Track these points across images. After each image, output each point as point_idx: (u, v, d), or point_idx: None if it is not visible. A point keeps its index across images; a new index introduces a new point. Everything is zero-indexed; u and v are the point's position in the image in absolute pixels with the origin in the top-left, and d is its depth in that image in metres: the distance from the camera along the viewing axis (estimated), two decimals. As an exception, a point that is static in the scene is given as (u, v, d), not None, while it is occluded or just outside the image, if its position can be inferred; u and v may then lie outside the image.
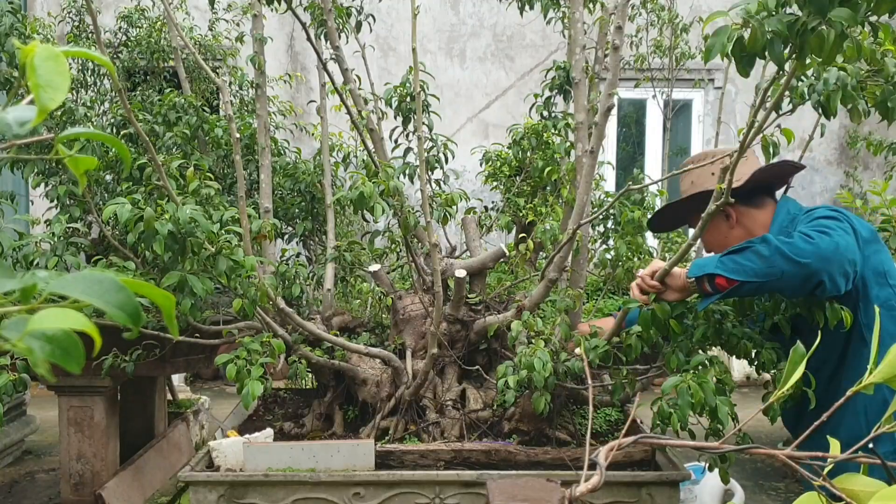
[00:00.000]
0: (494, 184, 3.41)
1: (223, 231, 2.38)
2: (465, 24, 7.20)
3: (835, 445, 0.81)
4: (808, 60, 1.49)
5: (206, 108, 3.78)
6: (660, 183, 2.72)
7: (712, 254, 2.05)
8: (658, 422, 2.15)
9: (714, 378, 2.03)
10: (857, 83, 1.94)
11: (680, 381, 2.01)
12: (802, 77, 2.05)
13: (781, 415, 2.09)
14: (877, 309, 1.34)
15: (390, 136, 3.15)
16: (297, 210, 3.66)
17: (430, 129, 3.08)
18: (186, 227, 2.24)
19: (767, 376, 2.24)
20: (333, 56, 3.19)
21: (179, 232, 2.24)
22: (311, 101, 3.73)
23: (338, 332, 3.08)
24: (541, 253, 3.17)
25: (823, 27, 1.38)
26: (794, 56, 1.49)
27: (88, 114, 3.68)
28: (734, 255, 1.84)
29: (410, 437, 2.76)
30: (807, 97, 2.06)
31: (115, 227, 3.24)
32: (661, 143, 6.93)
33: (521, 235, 3.05)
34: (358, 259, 3.23)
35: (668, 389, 2.03)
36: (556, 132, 3.15)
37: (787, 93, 2.07)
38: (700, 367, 2.09)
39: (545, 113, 3.23)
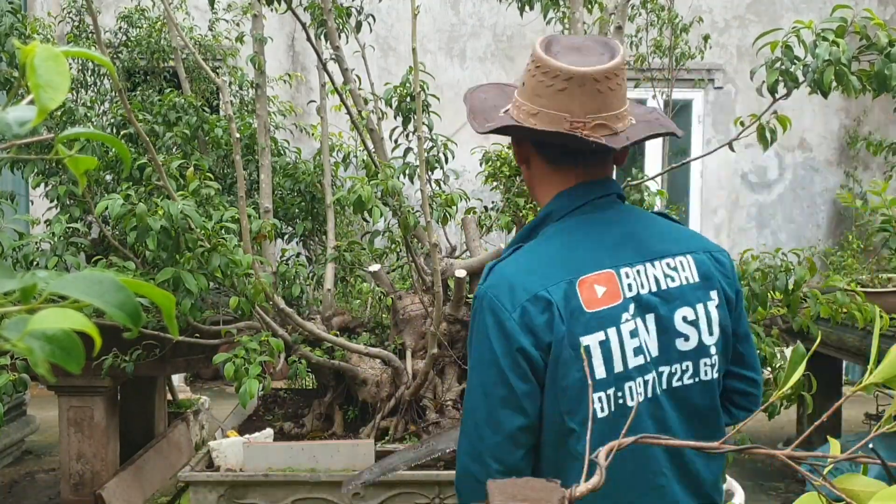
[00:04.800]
0: (494, 184, 3.41)
1: (219, 228, 2.38)
2: (465, 24, 7.20)
3: (835, 446, 0.81)
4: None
5: (206, 108, 3.78)
6: (658, 180, 2.71)
7: None
8: None
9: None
10: (850, 58, 1.94)
11: None
12: (796, 59, 2.06)
13: None
14: (876, 308, 1.34)
15: (390, 136, 3.15)
16: (297, 210, 3.66)
17: (430, 129, 3.08)
18: (179, 222, 2.24)
19: (767, 374, 2.24)
20: (333, 56, 3.19)
21: (173, 228, 2.25)
22: (311, 101, 3.73)
23: (338, 332, 3.08)
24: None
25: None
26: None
27: (88, 114, 3.68)
28: None
29: (410, 437, 2.76)
30: (801, 79, 2.06)
31: (114, 227, 3.24)
32: (660, 144, 6.93)
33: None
34: (358, 259, 3.23)
35: None
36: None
37: (781, 78, 2.08)
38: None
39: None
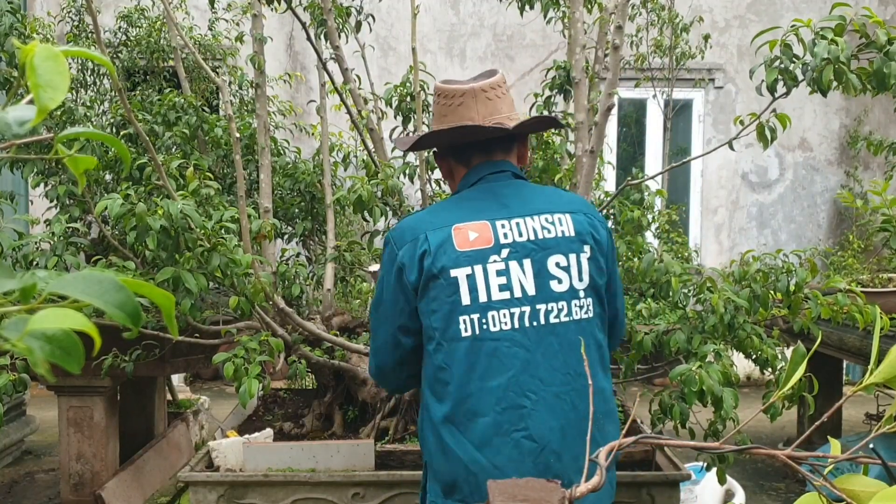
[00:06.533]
0: (494, 183, 3.40)
1: (219, 228, 2.37)
2: (465, 24, 7.20)
3: (835, 446, 0.81)
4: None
5: (206, 108, 3.78)
6: (658, 179, 2.71)
7: None
8: (660, 414, 2.16)
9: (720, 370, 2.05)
10: (849, 56, 1.94)
11: (687, 369, 2.02)
12: (795, 58, 2.05)
13: None
14: (877, 308, 1.34)
15: (390, 136, 3.15)
16: (296, 210, 3.65)
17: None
18: (179, 222, 2.24)
19: (769, 376, 2.24)
20: (333, 56, 3.19)
21: (172, 227, 2.24)
22: (311, 101, 3.73)
23: (338, 332, 3.08)
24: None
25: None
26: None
27: (88, 113, 3.68)
28: None
29: (410, 437, 2.76)
30: (800, 78, 2.05)
31: (114, 226, 3.24)
32: (661, 143, 6.93)
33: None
34: (358, 259, 3.23)
35: (675, 377, 2.04)
36: (557, 132, 3.15)
37: (780, 77, 2.08)
38: (706, 359, 2.11)
39: (545, 113, 3.23)
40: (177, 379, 5.40)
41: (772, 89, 2.08)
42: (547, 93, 3.19)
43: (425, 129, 2.96)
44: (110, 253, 3.07)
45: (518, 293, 1.53)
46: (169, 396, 4.79)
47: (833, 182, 7.22)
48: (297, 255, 3.75)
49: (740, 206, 7.24)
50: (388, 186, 2.52)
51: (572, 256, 1.56)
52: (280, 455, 2.49)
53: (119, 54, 4.80)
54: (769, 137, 2.16)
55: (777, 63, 2.07)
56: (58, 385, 3.51)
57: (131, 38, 4.86)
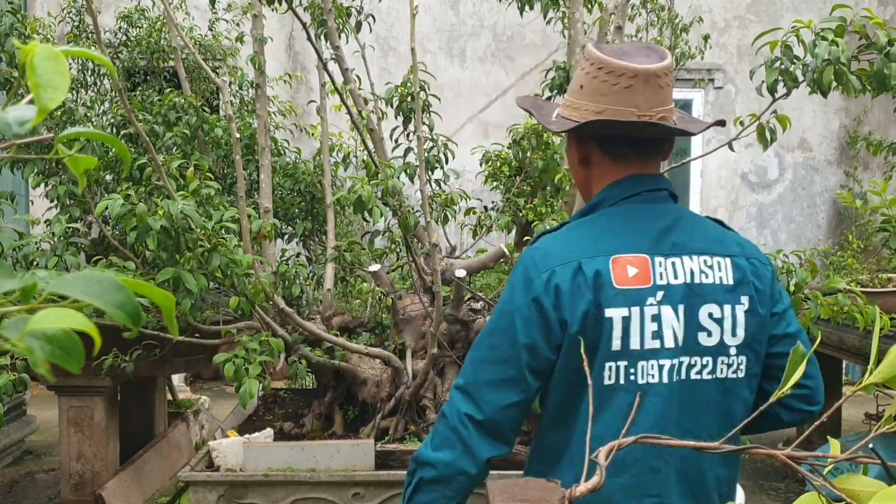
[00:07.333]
0: (494, 184, 3.41)
1: (219, 228, 2.38)
2: (465, 24, 7.20)
3: (835, 446, 0.81)
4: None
5: (206, 108, 3.78)
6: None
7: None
8: None
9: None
10: (849, 57, 1.94)
11: None
12: (795, 59, 2.05)
13: None
14: (877, 308, 1.34)
15: (391, 136, 3.15)
16: (297, 210, 3.66)
17: (431, 130, 3.08)
18: (179, 222, 2.24)
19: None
20: (333, 56, 3.19)
21: (173, 227, 2.24)
22: (311, 102, 3.73)
23: (338, 332, 3.08)
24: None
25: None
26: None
27: (88, 114, 3.68)
28: None
29: (410, 437, 2.76)
30: (800, 79, 2.06)
31: (114, 227, 3.24)
32: (661, 143, 6.93)
33: (525, 238, 3.05)
34: (358, 259, 3.23)
35: None
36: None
37: (780, 77, 2.08)
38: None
39: (545, 113, 3.23)
40: (177, 379, 5.40)
41: (772, 90, 2.08)
42: (547, 93, 3.19)
43: (425, 130, 2.96)
44: (110, 253, 3.07)
45: (669, 343, 1.34)
46: (169, 396, 4.80)
47: (833, 182, 7.22)
48: (297, 255, 3.76)
49: (740, 207, 7.24)
50: (388, 187, 2.52)
51: (727, 308, 1.37)
52: (280, 455, 2.49)
53: (119, 54, 4.81)
54: (769, 138, 2.15)
55: (777, 64, 2.08)
56: (58, 385, 3.51)
57: (131, 39, 4.87)
